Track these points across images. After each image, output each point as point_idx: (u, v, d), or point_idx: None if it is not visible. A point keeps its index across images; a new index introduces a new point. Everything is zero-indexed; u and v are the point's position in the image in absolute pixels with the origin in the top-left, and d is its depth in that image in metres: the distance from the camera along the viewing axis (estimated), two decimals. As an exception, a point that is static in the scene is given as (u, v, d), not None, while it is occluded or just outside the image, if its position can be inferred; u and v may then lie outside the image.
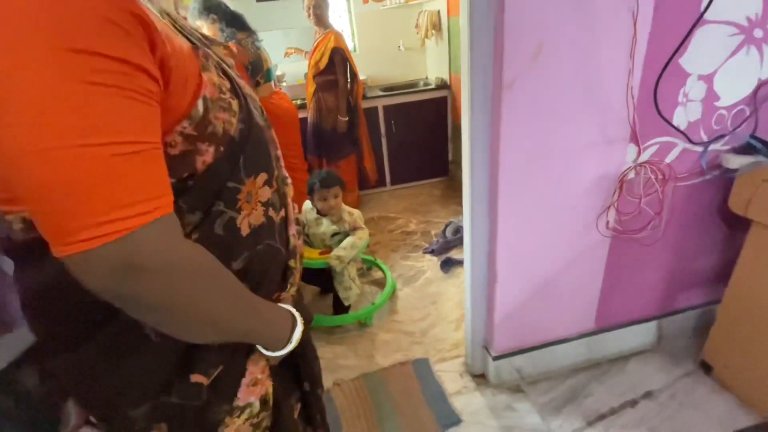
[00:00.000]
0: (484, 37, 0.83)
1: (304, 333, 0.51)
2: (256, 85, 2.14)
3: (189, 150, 0.39)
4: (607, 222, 1.08)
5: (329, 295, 1.81)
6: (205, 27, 1.88)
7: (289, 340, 0.49)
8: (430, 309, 1.78)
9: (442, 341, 1.58)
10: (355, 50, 3.20)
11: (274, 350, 0.48)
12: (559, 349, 1.29)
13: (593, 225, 1.08)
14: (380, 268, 2.02)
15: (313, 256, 1.65)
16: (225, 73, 0.46)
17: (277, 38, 2.99)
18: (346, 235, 1.71)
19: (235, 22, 1.99)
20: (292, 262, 0.55)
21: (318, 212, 1.71)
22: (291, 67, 3.02)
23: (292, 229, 0.56)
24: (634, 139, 0.98)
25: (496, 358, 1.27)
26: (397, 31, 3.09)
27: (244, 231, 0.45)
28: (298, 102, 2.74)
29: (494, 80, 0.87)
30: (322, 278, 1.72)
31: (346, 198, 2.78)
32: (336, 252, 1.60)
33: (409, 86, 3.00)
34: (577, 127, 0.94)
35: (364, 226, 1.74)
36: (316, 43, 2.46)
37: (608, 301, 1.24)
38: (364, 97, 2.78)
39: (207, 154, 0.40)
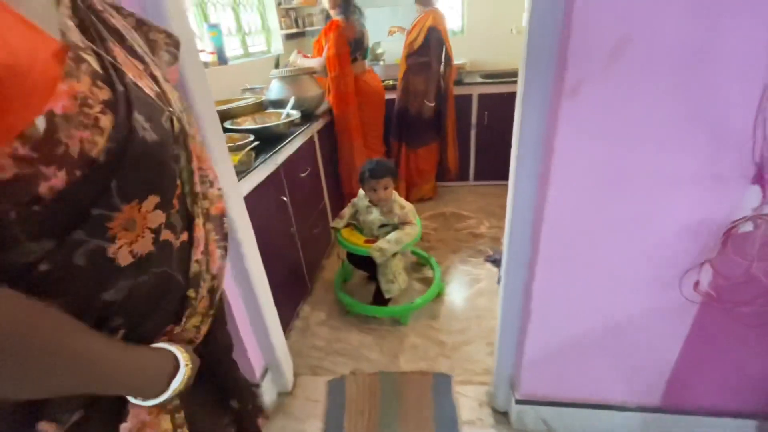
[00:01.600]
0: (548, 23, 0.66)
1: (193, 376, 0.46)
2: (353, 60, 2.16)
3: (26, 174, 0.34)
4: (697, 283, 0.82)
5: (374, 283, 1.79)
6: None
7: (165, 388, 0.43)
8: (471, 323, 1.64)
9: (473, 362, 1.44)
10: (462, 31, 3.00)
11: (145, 399, 0.43)
12: (604, 415, 1.06)
13: (675, 283, 0.83)
14: (432, 267, 1.92)
15: (358, 243, 1.63)
16: (109, 78, 0.39)
17: (384, 15, 2.96)
18: (395, 227, 1.64)
19: None
20: (191, 292, 0.49)
21: (369, 201, 1.67)
22: (392, 45, 2.97)
23: (198, 253, 0.50)
24: (760, 180, 0.70)
25: (519, 402, 1.11)
26: (511, 12, 2.78)
27: (124, 261, 0.41)
28: (391, 82, 2.69)
29: (554, 83, 0.69)
30: (368, 265, 1.71)
31: (422, 187, 2.71)
32: (379, 243, 1.56)
33: (513, 74, 2.70)
34: (670, 153, 0.71)
35: (414, 221, 1.65)
36: (415, 21, 2.35)
37: (685, 379, 0.97)
38: (460, 83, 2.60)
39: (55, 179, 0.35)
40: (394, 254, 1.62)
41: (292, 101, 1.79)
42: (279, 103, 1.87)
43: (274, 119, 1.72)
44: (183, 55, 0.80)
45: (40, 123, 0.33)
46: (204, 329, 0.52)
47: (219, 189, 0.55)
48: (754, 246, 0.75)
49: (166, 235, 0.45)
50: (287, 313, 1.60)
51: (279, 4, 2.80)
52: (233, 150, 1.30)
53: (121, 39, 0.46)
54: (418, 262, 2.06)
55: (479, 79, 2.67)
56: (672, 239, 0.79)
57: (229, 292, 1.10)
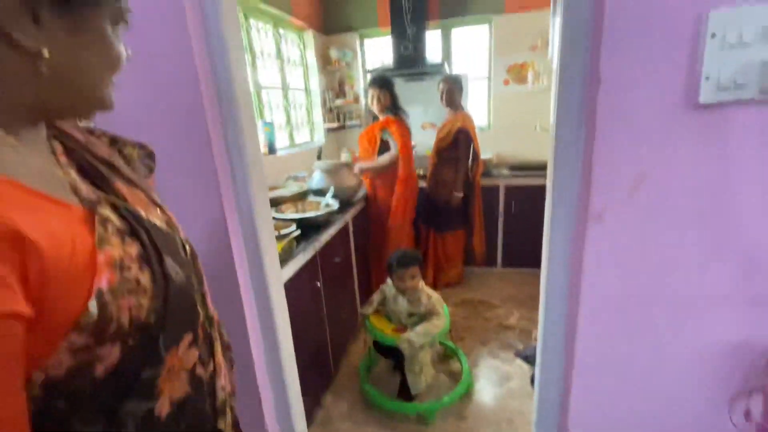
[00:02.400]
0: (571, 156, 0.75)
1: None
2: None
3: (82, 362, 0.32)
4: (747, 412, 0.77)
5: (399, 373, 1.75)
6: (375, 97, 2.27)
7: None
8: (502, 427, 1.53)
9: (505, 476, 1.33)
10: (489, 126, 3.24)
11: None
12: None
13: (724, 410, 0.79)
14: (459, 361, 1.86)
15: (386, 331, 1.64)
16: (132, 228, 0.39)
17: (417, 113, 3.27)
18: (422, 316, 1.64)
19: (396, 99, 2.35)
20: (221, 423, 0.48)
21: (396, 289, 1.71)
22: (424, 138, 3.23)
23: (222, 379, 0.49)
24: (798, 308, 0.70)
25: None
26: (534, 112, 3.02)
27: (165, 413, 0.39)
28: (421, 172, 2.89)
29: (580, 206, 0.76)
30: (395, 354, 1.68)
31: (448, 272, 2.72)
32: (407, 335, 1.55)
33: (539, 167, 2.83)
34: (700, 277, 0.73)
35: (442, 311, 1.65)
36: (445, 121, 2.59)
37: None
38: (488, 175, 2.75)
39: (111, 357, 0.34)
40: (422, 346, 1.60)
41: (331, 191, 1.95)
42: (320, 192, 2.04)
43: (314, 207, 1.87)
44: (251, 162, 0.95)
45: (93, 307, 0.32)
46: None
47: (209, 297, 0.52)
48: (804, 377, 0.72)
49: (199, 370, 0.44)
50: (310, 402, 1.57)
51: (324, 103, 3.17)
52: (278, 239, 1.41)
53: (114, 169, 0.46)
54: (445, 354, 2.00)
55: (506, 172, 2.82)
56: (714, 361, 0.77)
57: (259, 381, 1.11)
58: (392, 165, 2.33)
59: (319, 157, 2.42)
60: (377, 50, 3.32)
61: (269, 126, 2.33)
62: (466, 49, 3.20)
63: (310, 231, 1.61)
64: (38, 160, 0.37)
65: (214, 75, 0.86)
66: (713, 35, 0.61)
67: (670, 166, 0.68)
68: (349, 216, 2.05)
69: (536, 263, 2.92)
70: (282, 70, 2.67)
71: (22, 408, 0.29)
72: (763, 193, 0.66)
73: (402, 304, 1.68)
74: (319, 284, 1.61)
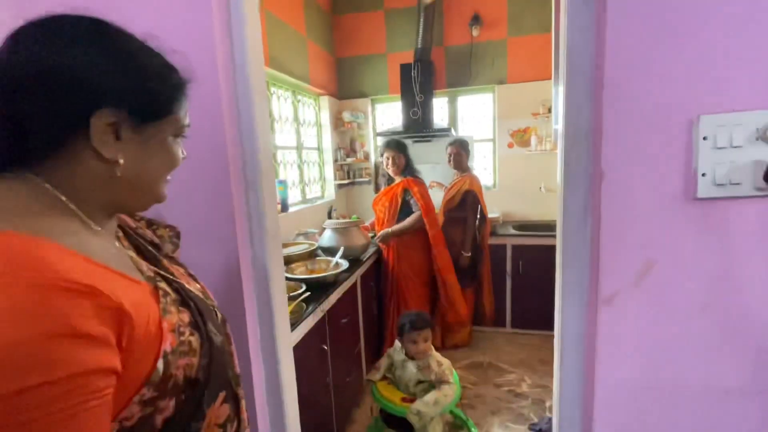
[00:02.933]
0: (579, 243, 0.78)
1: None
2: None
3: (147, 414, 0.38)
4: None
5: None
6: (391, 159, 2.38)
7: None
8: None
9: None
10: (494, 186, 3.33)
11: None
12: None
13: None
14: (465, 425, 1.77)
15: (394, 400, 1.58)
16: (183, 299, 0.46)
17: (425, 171, 3.39)
18: (432, 385, 1.59)
19: (411, 162, 2.49)
20: None
21: (406, 354, 1.67)
22: (432, 197, 3.31)
23: None
24: (821, 403, 0.69)
25: None
26: (539, 173, 3.11)
27: None
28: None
29: (590, 291, 0.78)
30: (403, 425, 1.61)
31: (456, 334, 2.67)
32: (416, 406, 1.50)
33: (545, 227, 2.87)
34: (712, 366, 0.72)
35: (452, 379, 1.60)
36: (452, 182, 2.69)
37: None
38: (495, 234, 2.78)
39: (167, 410, 0.40)
40: (431, 418, 1.54)
41: (341, 251, 1.98)
42: (329, 251, 2.07)
43: (324, 267, 1.89)
44: (269, 228, 0.99)
45: (160, 365, 0.38)
46: None
47: (235, 357, 0.57)
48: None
49: (228, 427, 0.49)
50: (312, 478, 1.48)
51: (336, 161, 3.31)
52: (288, 300, 1.42)
53: (158, 249, 0.56)
54: (455, 424, 1.90)
55: (512, 231, 2.85)
56: (738, 456, 0.74)
57: (263, 456, 1.07)
58: (417, 226, 2.38)
59: (329, 215, 2.48)
60: (387, 113, 3.53)
61: (283, 185, 2.43)
62: (471, 114, 3.39)
63: (319, 290, 1.62)
64: (114, 246, 0.46)
65: (240, 144, 0.94)
66: (705, 138, 0.66)
67: (675, 255, 0.71)
68: (357, 275, 2.06)
69: (546, 325, 2.86)
70: (297, 131, 2.84)
71: None
72: (766, 284, 0.68)
73: (411, 371, 1.63)
74: (326, 347, 1.59)
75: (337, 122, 3.37)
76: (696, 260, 0.70)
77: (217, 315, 0.53)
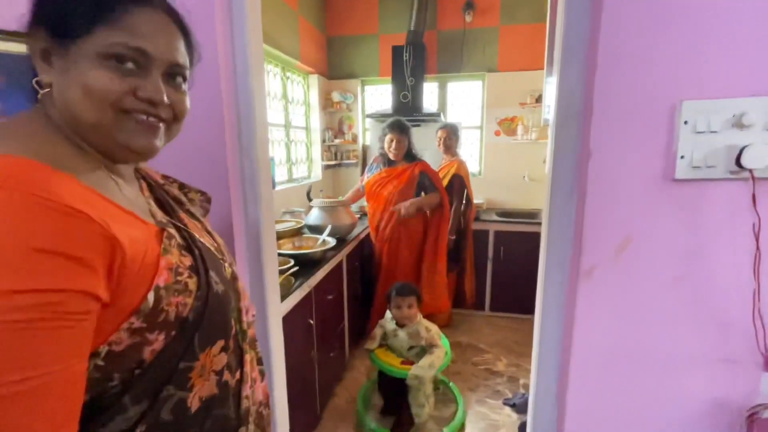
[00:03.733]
0: (564, 218, 0.82)
1: None
2: None
3: (136, 342, 0.40)
4: (729, 469, 0.81)
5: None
6: (396, 141, 2.34)
7: None
8: (491, 480, 1.50)
9: None
10: (480, 173, 3.38)
11: None
12: None
13: (707, 466, 0.82)
14: (454, 396, 1.92)
15: (395, 364, 1.70)
16: (188, 245, 0.48)
17: (411, 155, 3.41)
18: (423, 349, 1.71)
19: (413, 146, 2.48)
20: (242, 430, 0.53)
21: (396, 323, 1.75)
22: (417, 180, 3.34)
23: (247, 388, 0.54)
24: (770, 369, 0.76)
25: None
26: (524, 162, 3.18)
27: (194, 407, 0.45)
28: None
29: (572, 264, 0.83)
30: (399, 386, 1.71)
31: (437, 315, 2.74)
32: (414, 371, 1.62)
33: (527, 215, 2.96)
34: (679, 334, 0.79)
35: (440, 343, 1.72)
36: (441, 166, 2.71)
37: None
38: (478, 219, 2.84)
39: (156, 342, 0.41)
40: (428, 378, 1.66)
41: (328, 229, 1.99)
42: (316, 229, 2.08)
43: (311, 244, 1.90)
44: (263, 195, 0.99)
45: (151, 297, 0.40)
46: None
47: (253, 315, 0.60)
48: (779, 435, 0.76)
49: (226, 375, 0.50)
50: (294, 447, 1.52)
51: (323, 141, 3.29)
52: (275, 274, 1.43)
53: (181, 205, 0.58)
54: (436, 386, 2.00)
55: (495, 217, 2.92)
56: (695, 418, 0.81)
57: (251, 421, 1.09)
58: (431, 207, 2.42)
59: (308, 196, 2.46)
60: (377, 95, 3.51)
61: (271, 161, 2.41)
62: (460, 100, 3.41)
63: (306, 267, 1.64)
64: (130, 191, 0.49)
65: (237, 114, 0.93)
66: (686, 122, 0.71)
67: (652, 232, 0.76)
68: (343, 254, 2.08)
69: (523, 309, 2.97)
70: (286, 109, 2.79)
71: (82, 374, 0.35)
72: (733, 260, 0.74)
73: (402, 338, 1.73)
74: (312, 322, 1.61)
75: (326, 102, 3.33)
76: (670, 237, 0.76)
77: (224, 269, 0.54)
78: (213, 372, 0.48)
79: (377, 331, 1.84)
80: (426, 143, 3.27)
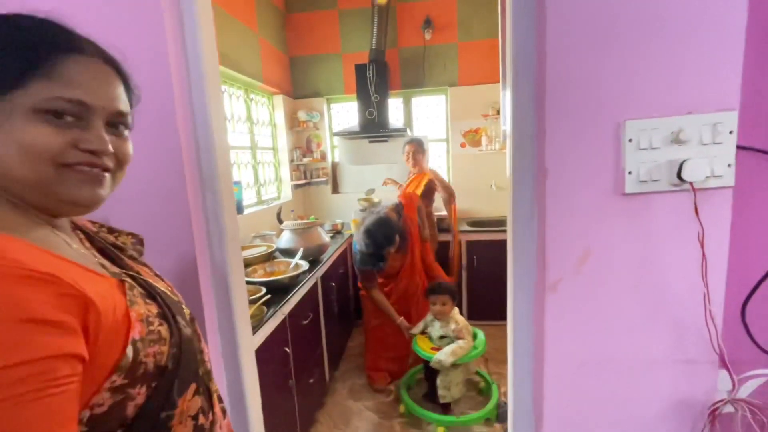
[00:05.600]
0: (527, 235, 0.85)
1: None
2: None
3: (118, 401, 0.39)
4: (697, 466, 0.84)
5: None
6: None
7: None
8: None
9: None
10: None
11: None
12: None
13: (677, 465, 0.85)
14: (490, 387, 2.11)
15: (425, 348, 1.97)
16: (149, 292, 0.47)
17: (380, 170, 3.43)
18: (452, 340, 1.93)
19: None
20: None
21: (433, 314, 2.05)
22: (384, 193, 3.35)
23: (217, 429, 0.54)
24: (725, 366, 0.80)
25: None
26: (490, 172, 3.27)
27: None
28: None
29: (538, 279, 0.85)
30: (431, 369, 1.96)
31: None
32: (438, 356, 1.85)
33: (496, 223, 3.03)
34: (641, 339, 0.82)
35: (467, 337, 1.92)
36: (410, 179, 2.75)
37: None
38: (448, 231, 2.88)
39: (139, 397, 0.40)
40: (456, 365, 1.89)
41: (300, 252, 1.96)
42: (288, 252, 2.05)
43: (283, 268, 1.86)
44: (228, 228, 0.97)
45: (129, 351, 0.39)
46: None
47: (207, 354, 0.57)
48: (738, 429, 0.81)
49: (201, 419, 0.49)
50: (276, 483, 1.46)
51: (292, 161, 3.26)
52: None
53: (123, 251, 0.55)
54: (478, 385, 2.23)
55: (466, 227, 2.98)
56: (661, 417, 0.85)
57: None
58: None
59: (278, 218, 2.42)
60: (343, 113, 3.53)
61: (237, 186, 2.35)
62: (425, 114, 3.48)
63: (279, 293, 1.60)
64: (74, 245, 0.46)
65: (195, 142, 0.91)
66: (630, 140, 0.75)
67: (608, 244, 0.80)
68: (317, 275, 2.05)
69: (500, 316, 2.99)
70: (251, 131, 2.76)
71: None
72: (683, 266, 0.79)
73: (436, 328, 2.00)
74: (288, 350, 1.57)
75: (293, 122, 3.31)
76: (626, 247, 0.80)
77: (184, 311, 0.53)
78: (189, 417, 0.47)
79: (422, 321, 2.11)
80: (395, 158, 3.31)
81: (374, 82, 2.99)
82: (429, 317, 2.09)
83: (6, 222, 0.39)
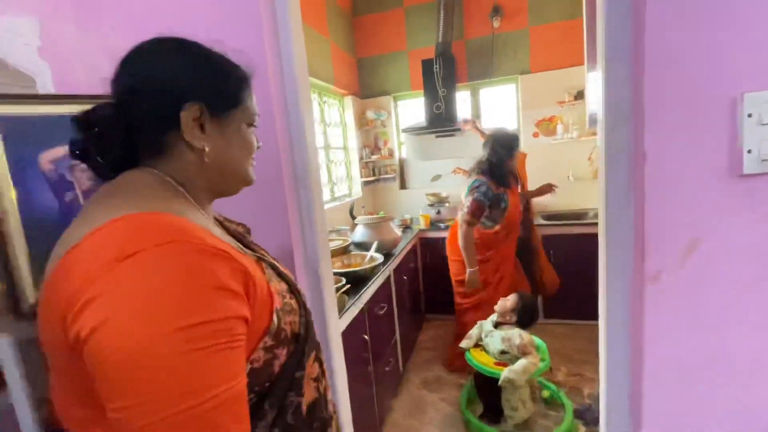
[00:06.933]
0: (623, 224, 0.80)
1: None
2: None
3: (269, 358, 0.47)
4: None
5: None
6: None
7: None
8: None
9: None
10: (520, 177, 3.30)
11: None
12: None
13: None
14: (562, 403, 1.89)
15: (488, 364, 1.75)
16: (277, 272, 0.55)
17: (447, 164, 3.41)
18: (515, 356, 1.71)
19: None
20: (330, 430, 0.60)
21: (494, 324, 1.86)
22: (455, 180, 3.32)
23: (329, 394, 0.62)
24: None
25: None
26: (567, 162, 3.08)
27: (305, 411, 0.53)
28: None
29: (635, 271, 0.80)
30: (493, 387, 1.75)
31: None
32: (507, 374, 1.64)
33: (574, 216, 2.85)
34: (759, 340, 0.74)
35: (535, 351, 1.71)
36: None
37: None
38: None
39: (281, 357, 0.49)
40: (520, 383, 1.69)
41: (375, 245, 2.04)
42: (362, 245, 2.14)
43: (359, 261, 1.96)
44: (317, 219, 1.05)
45: (275, 318, 0.48)
46: None
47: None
48: None
49: (320, 384, 0.58)
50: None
51: (361, 158, 3.38)
52: (330, 293, 1.48)
53: (244, 238, 0.64)
54: (547, 398, 2.00)
55: (541, 221, 2.84)
56: (794, 428, 0.75)
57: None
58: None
59: (351, 214, 2.53)
60: (411, 109, 3.56)
61: (314, 184, 2.51)
62: (494, 105, 3.38)
63: (357, 284, 1.69)
64: (217, 228, 0.55)
65: (290, 144, 1.01)
66: (749, 115, 0.68)
67: (722, 232, 0.72)
68: (390, 268, 2.12)
69: (579, 315, 2.82)
70: (325, 132, 2.91)
71: (245, 385, 0.42)
72: (821, 256, 0.69)
73: (496, 339, 1.79)
74: (366, 337, 1.65)
75: (361, 121, 3.43)
76: (744, 235, 0.72)
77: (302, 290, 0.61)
78: (312, 379, 0.55)
79: (474, 331, 1.92)
80: (462, 152, 3.27)
81: (441, 75, 2.97)
82: (486, 326, 1.90)
83: (179, 208, 0.47)
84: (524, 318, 1.85)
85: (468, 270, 2.19)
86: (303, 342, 0.53)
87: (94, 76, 1.02)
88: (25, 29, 0.91)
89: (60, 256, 0.42)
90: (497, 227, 2.23)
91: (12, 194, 0.87)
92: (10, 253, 0.87)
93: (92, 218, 0.43)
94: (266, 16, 0.95)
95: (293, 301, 0.54)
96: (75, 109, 0.89)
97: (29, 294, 0.88)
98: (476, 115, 3.35)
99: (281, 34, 0.97)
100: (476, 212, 2.16)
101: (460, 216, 2.23)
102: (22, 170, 0.87)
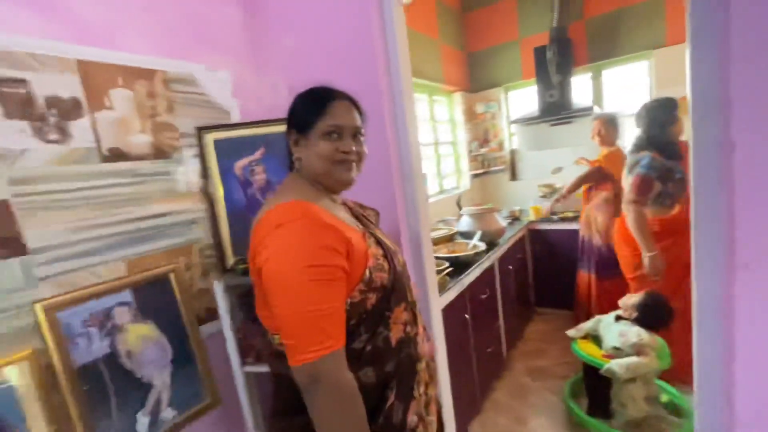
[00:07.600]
0: (712, 214, 0.80)
1: None
2: None
3: (363, 298, 0.71)
4: None
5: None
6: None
7: None
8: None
9: None
10: (653, 164, 2.95)
11: None
12: None
13: None
14: (678, 401, 1.78)
15: (595, 355, 1.76)
16: (378, 240, 0.79)
17: (563, 154, 3.24)
18: (628, 354, 1.66)
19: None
20: (419, 366, 0.80)
21: (616, 317, 1.81)
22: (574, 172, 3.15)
23: (418, 341, 0.82)
24: None
25: None
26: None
27: (394, 343, 0.75)
28: (570, 214, 2.85)
29: (727, 258, 0.79)
30: (602, 381, 1.72)
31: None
32: (611, 366, 1.63)
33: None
34: None
35: (652, 354, 1.63)
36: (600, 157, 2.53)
37: None
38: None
39: (372, 299, 0.72)
40: (632, 379, 1.64)
41: (479, 234, 2.17)
42: (467, 234, 2.28)
43: (463, 248, 2.11)
44: (421, 208, 1.27)
45: (367, 272, 0.71)
46: (431, 392, 0.83)
47: (416, 294, 0.88)
48: None
49: (408, 328, 0.79)
50: (457, 429, 1.73)
51: (470, 152, 3.47)
52: (433, 274, 1.69)
53: (368, 220, 0.89)
54: (665, 402, 1.85)
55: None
56: None
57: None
58: None
59: (458, 205, 2.66)
60: (522, 99, 3.49)
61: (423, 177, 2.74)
62: (620, 86, 3.07)
63: (459, 269, 1.85)
64: (342, 211, 0.82)
65: (398, 143, 1.24)
66: None
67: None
68: (494, 257, 2.21)
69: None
70: (434, 129, 3.11)
71: (342, 310, 0.68)
72: None
73: (613, 332, 1.75)
74: (467, 317, 1.81)
75: (470, 115, 3.51)
76: None
77: (399, 258, 0.84)
78: (401, 323, 0.77)
79: (589, 324, 1.91)
80: (580, 140, 3.08)
81: (555, 62, 2.86)
82: (607, 318, 1.84)
83: (310, 195, 0.76)
84: (647, 318, 1.72)
85: (646, 255, 1.84)
86: (389, 292, 0.74)
87: (262, 106, 1.43)
88: (224, 78, 1.35)
89: (258, 221, 0.73)
90: (678, 207, 1.84)
91: (221, 190, 1.31)
92: (222, 228, 1.32)
93: (271, 202, 0.75)
94: (381, 59, 1.20)
95: (384, 263, 0.76)
96: (254, 131, 1.31)
97: (229, 255, 1.31)
98: (598, 100, 3.10)
99: (389, 39, 1.21)
100: (642, 188, 1.80)
101: (624, 200, 1.91)
102: (225, 174, 1.31)
